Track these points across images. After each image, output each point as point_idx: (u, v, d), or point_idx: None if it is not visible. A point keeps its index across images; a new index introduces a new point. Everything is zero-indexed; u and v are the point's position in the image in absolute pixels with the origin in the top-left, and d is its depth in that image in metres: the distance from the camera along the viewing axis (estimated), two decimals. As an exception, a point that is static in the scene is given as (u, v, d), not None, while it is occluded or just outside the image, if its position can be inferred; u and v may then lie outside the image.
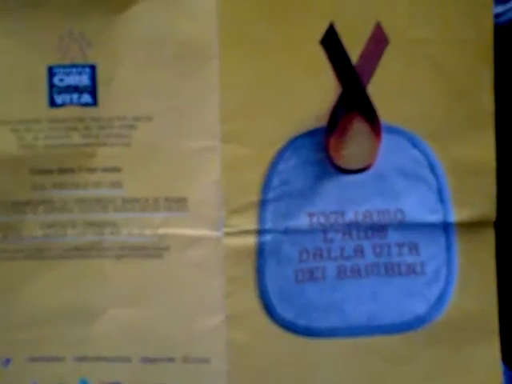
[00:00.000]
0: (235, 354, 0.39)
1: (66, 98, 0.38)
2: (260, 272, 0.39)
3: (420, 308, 0.40)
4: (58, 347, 0.40)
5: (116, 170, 0.39)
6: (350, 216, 0.39)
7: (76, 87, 0.38)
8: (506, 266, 0.40)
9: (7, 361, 0.40)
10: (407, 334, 0.39)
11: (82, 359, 0.40)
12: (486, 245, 0.40)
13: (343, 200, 0.39)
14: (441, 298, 0.40)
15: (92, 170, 0.39)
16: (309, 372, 0.39)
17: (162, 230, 0.39)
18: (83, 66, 0.38)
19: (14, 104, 0.38)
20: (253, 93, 0.38)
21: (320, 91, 0.39)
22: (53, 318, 0.40)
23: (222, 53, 0.38)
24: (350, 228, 0.39)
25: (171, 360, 0.39)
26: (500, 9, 0.41)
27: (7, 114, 0.38)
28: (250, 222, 0.39)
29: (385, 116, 0.39)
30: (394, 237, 0.40)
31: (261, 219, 0.39)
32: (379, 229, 0.39)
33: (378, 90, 0.39)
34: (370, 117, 0.39)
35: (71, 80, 0.38)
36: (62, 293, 0.39)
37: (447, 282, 0.40)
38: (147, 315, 0.39)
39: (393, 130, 0.39)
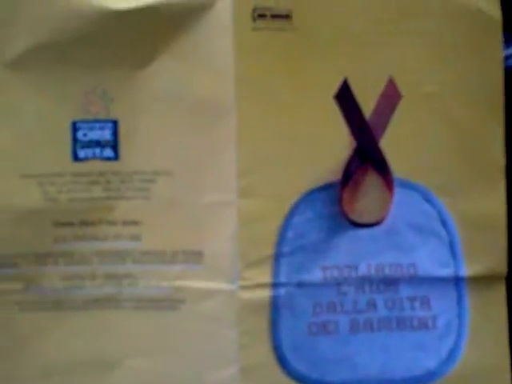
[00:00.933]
0: None
1: (89, 152, 0.40)
2: (274, 325, 0.40)
3: (431, 362, 0.40)
4: None
5: (135, 223, 0.40)
6: (362, 270, 0.40)
7: (98, 142, 0.40)
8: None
9: None
10: None
11: None
12: (497, 299, 0.40)
13: (356, 253, 0.40)
14: (452, 353, 0.40)
15: (112, 223, 0.40)
16: None
17: (178, 283, 0.40)
18: (106, 122, 0.40)
19: (40, 158, 0.40)
20: (269, 147, 0.40)
21: (335, 145, 0.40)
22: (70, 369, 0.40)
23: (239, 107, 0.39)
24: (363, 282, 0.40)
25: None
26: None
27: (34, 167, 0.40)
28: (264, 275, 0.40)
29: (397, 170, 0.40)
30: (405, 291, 0.40)
31: (275, 273, 0.40)
32: (391, 283, 0.40)
33: (390, 144, 0.40)
34: (384, 171, 0.40)
35: (94, 135, 0.40)
36: (79, 344, 0.40)
37: (458, 336, 0.40)
38: (163, 366, 0.40)
39: (405, 184, 0.40)
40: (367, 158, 0.40)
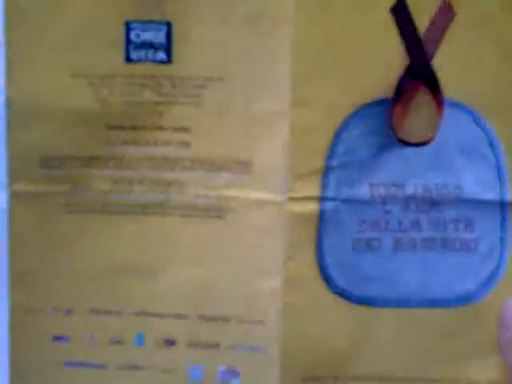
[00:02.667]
0: (289, 318, 0.41)
1: (142, 54, 0.40)
2: (319, 239, 0.41)
3: (471, 285, 0.41)
4: (117, 302, 0.42)
5: (185, 129, 0.40)
6: (409, 189, 0.41)
7: (152, 44, 0.39)
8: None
9: (68, 311, 0.42)
10: (455, 309, 0.41)
11: (139, 314, 0.42)
12: None
13: (404, 172, 0.41)
14: (492, 276, 0.41)
15: (162, 129, 0.40)
16: (359, 339, 0.41)
17: (226, 192, 0.41)
18: (160, 23, 0.39)
19: (92, 57, 0.40)
20: (324, 59, 0.40)
21: (388, 61, 0.40)
22: (114, 273, 0.41)
23: (297, 17, 0.39)
24: (409, 201, 0.41)
25: (227, 320, 0.41)
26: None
27: (86, 67, 0.40)
28: (314, 188, 0.40)
29: (448, 90, 0.40)
30: (450, 212, 0.41)
31: (324, 186, 0.40)
32: (437, 203, 0.41)
33: (443, 63, 0.40)
34: (434, 90, 0.40)
35: (147, 36, 0.39)
36: (124, 248, 0.41)
37: (500, 261, 0.41)
38: (207, 274, 0.41)
39: (455, 105, 0.40)
40: (419, 75, 0.40)
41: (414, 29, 0.40)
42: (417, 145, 0.40)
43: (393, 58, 0.40)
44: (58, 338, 0.42)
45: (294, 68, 0.40)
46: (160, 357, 0.42)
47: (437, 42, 0.40)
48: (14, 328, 0.42)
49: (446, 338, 0.41)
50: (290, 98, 0.40)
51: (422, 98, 0.40)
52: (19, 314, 0.42)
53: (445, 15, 0.40)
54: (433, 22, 0.40)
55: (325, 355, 0.41)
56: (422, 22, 0.40)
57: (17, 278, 0.42)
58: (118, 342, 0.42)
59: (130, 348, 0.42)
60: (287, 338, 0.41)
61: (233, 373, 0.41)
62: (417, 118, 0.40)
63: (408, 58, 0.40)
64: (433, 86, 0.40)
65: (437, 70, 0.40)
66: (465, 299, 0.41)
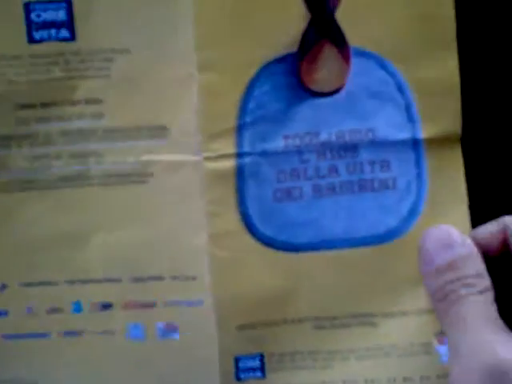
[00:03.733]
0: (219, 271, 0.43)
1: (45, 33, 0.41)
2: (240, 193, 0.43)
3: (393, 221, 0.44)
4: (50, 272, 0.44)
5: (97, 101, 0.42)
6: (323, 136, 0.43)
7: (54, 22, 0.41)
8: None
9: (3, 286, 0.44)
10: (381, 245, 0.44)
11: (73, 282, 0.44)
12: (454, 159, 0.43)
13: (316, 122, 0.43)
14: (412, 211, 0.44)
15: (74, 103, 0.42)
16: (289, 283, 0.44)
17: (145, 157, 0.43)
18: (59, 2, 0.41)
19: None
20: (225, 21, 0.41)
21: (290, 18, 0.42)
22: (44, 245, 0.43)
23: None
24: (324, 148, 0.43)
25: (160, 278, 0.44)
26: None
27: None
28: (228, 146, 0.43)
29: (353, 39, 0.42)
30: (365, 155, 0.43)
31: (239, 143, 0.43)
32: (352, 148, 0.43)
33: (346, 14, 0.42)
34: (340, 41, 0.42)
35: (48, 15, 0.41)
36: (51, 220, 0.43)
37: (418, 197, 0.44)
38: (135, 237, 0.43)
39: (361, 53, 0.42)
40: (323, 29, 0.42)
41: None
42: (327, 94, 0.43)
43: (295, 14, 0.42)
44: (-6, 313, 0.44)
45: (197, 32, 0.41)
46: (98, 321, 0.44)
47: None
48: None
49: (374, 274, 0.44)
50: (196, 62, 0.42)
51: (328, 49, 0.42)
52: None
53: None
54: (333, -25, 0.41)
55: (258, 302, 0.44)
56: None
57: None
58: (57, 311, 0.44)
59: (69, 316, 0.44)
60: (220, 290, 0.43)
61: (171, 328, 0.44)
62: (325, 69, 0.42)
63: (310, 14, 0.42)
64: (337, 38, 0.42)
65: (340, 22, 0.42)
66: (388, 236, 0.44)
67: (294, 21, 0.42)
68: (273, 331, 0.44)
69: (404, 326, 0.44)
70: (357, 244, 0.44)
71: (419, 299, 0.44)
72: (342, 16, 0.42)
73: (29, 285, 0.44)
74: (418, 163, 0.44)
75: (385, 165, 0.43)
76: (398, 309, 0.44)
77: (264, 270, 0.43)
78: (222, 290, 0.43)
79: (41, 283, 0.44)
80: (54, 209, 0.43)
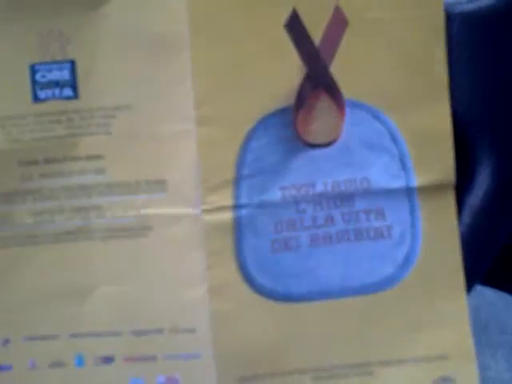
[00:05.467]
0: (219, 323, 0.44)
1: (49, 92, 0.43)
2: (238, 244, 0.44)
3: (388, 269, 0.45)
4: (52, 326, 0.45)
5: (98, 157, 0.44)
6: (319, 187, 0.45)
7: (57, 82, 0.43)
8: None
9: (6, 341, 0.45)
10: (378, 293, 0.45)
11: (76, 336, 0.45)
12: (447, 206, 0.45)
13: (312, 173, 0.45)
14: (407, 259, 0.45)
15: (76, 159, 0.44)
16: (288, 334, 0.45)
17: (144, 211, 0.44)
18: (63, 62, 0.43)
19: (1, 101, 0.43)
20: (223, 77, 0.44)
21: (286, 72, 0.44)
22: (46, 299, 0.45)
23: (193, 41, 0.43)
24: (320, 198, 0.45)
25: (160, 331, 0.45)
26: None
27: None
28: (226, 198, 0.44)
29: (347, 92, 0.44)
30: (361, 204, 0.45)
31: (236, 195, 0.44)
32: (347, 197, 0.45)
33: (340, 68, 0.44)
34: (334, 94, 0.44)
35: (53, 76, 0.43)
36: (53, 275, 0.45)
37: (413, 243, 0.45)
38: (135, 291, 0.45)
39: (355, 105, 0.44)
40: (318, 82, 0.44)
41: (310, 41, 0.44)
42: (322, 146, 0.45)
43: (291, 68, 0.44)
44: (-1, 368, 0.45)
45: (196, 89, 0.44)
46: (100, 375, 0.45)
47: (333, 49, 0.44)
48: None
49: (371, 322, 0.45)
50: (194, 118, 0.44)
51: (323, 102, 0.44)
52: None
53: (338, 24, 0.44)
54: (327, 31, 0.44)
55: (258, 354, 0.45)
56: (316, 33, 0.44)
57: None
58: (59, 365, 0.45)
59: (72, 370, 0.45)
60: (219, 342, 0.44)
61: (172, 381, 0.45)
62: (320, 121, 0.44)
63: (306, 68, 0.44)
64: (332, 90, 0.44)
65: (335, 75, 0.44)
66: (385, 283, 0.45)
67: (290, 75, 0.44)
68: (273, 383, 0.45)
69: (401, 375, 0.45)
70: (354, 293, 0.45)
71: (416, 347, 0.45)
72: (336, 70, 0.44)
73: (31, 339, 0.45)
74: (412, 211, 0.45)
75: (379, 213, 0.45)
76: (395, 357, 0.45)
77: (263, 321, 0.45)
78: (222, 342, 0.44)
79: (44, 337, 0.45)
80: (56, 263, 0.45)
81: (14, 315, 0.45)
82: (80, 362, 0.45)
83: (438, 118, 0.44)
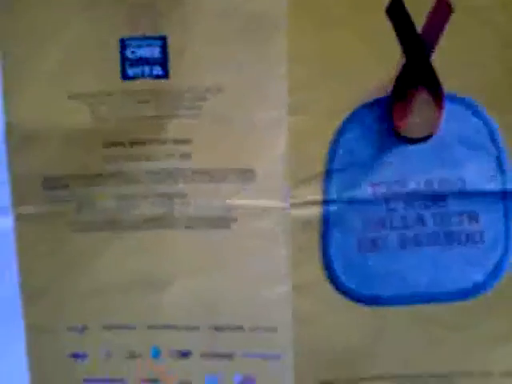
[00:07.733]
0: (301, 323, 0.44)
1: (138, 70, 0.42)
2: (325, 242, 0.43)
3: (478, 276, 0.44)
4: (130, 316, 0.45)
5: (186, 141, 0.43)
6: (411, 185, 0.43)
7: (147, 60, 0.42)
8: None
9: (83, 327, 0.45)
10: (466, 301, 0.44)
11: (153, 327, 0.44)
12: None
13: (405, 170, 0.43)
14: (499, 266, 0.44)
15: (163, 142, 0.43)
16: (371, 339, 0.44)
17: (229, 201, 0.43)
18: (154, 38, 0.42)
19: (88, 77, 0.42)
20: (319, 64, 0.42)
21: (384, 61, 0.42)
22: (125, 287, 0.44)
23: (291, 23, 0.42)
24: (412, 197, 0.43)
25: (239, 328, 0.44)
26: None
27: (81, 86, 0.42)
28: (315, 192, 0.43)
29: (447, 85, 0.42)
30: (453, 205, 0.44)
31: (326, 190, 0.43)
32: (440, 198, 0.43)
33: (441, 59, 0.42)
34: (434, 86, 0.42)
35: (143, 52, 0.42)
36: (133, 263, 0.44)
37: (505, 250, 0.44)
38: (215, 284, 0.44)
39: (454, 99, 0.43)
40: (417, 73, 0.42)
41: (413, 28, 0.42)
42: (418, 140, 0.43)
43: (389, 57, 0.42)
44: (75, 356, 0.45)
45: (290, 75, 0.42)
46: (176, 368, 0.45)
47: (435, 38, 0.42)
48: (31, 349, 0.45)
49: (457, 330, 0.44)
50: (287, 106, 0.42)
51: (421, 94, 0.43)
52: (35, 335, 0.45)
53: (442, 11, 0.42)
54: (430, 19, 0.42)
55: (338, 358, 0.44)
56: (418, 20, 0.42)
57: (30, 298, 0.44)
58: (135, 356, 0.45)
59: (147, 361, 0.45)
60: (300, 343, 0.44)
61: (248, 381, 0.44)
62: (417, 114, 0.43)
63: (405, 58, 0.42)
64: (432, 82, 0.42)
65: (435, 66, 0.42)
66: (474, 291, 0.44)
67: (388, 64, 0.42)
68: None
69: None
70: (441, 299, 0.44)
71: (504, 360, 0.44)
72: (437, 60, 0.43)
73: (108, 328, 0.45)
74: (507, 216, 0.44)
75: (473, 217, 0.44)
76: (480, 368, 0.44)
77: (346, 323, 0.44)
78: (303, 343, 0.44)
79: (121, 326, 0.45)
80: (137, 250, 0.44)
81: (91, 302, 0.45)
82: (156, 353, 0.44)
83: None
